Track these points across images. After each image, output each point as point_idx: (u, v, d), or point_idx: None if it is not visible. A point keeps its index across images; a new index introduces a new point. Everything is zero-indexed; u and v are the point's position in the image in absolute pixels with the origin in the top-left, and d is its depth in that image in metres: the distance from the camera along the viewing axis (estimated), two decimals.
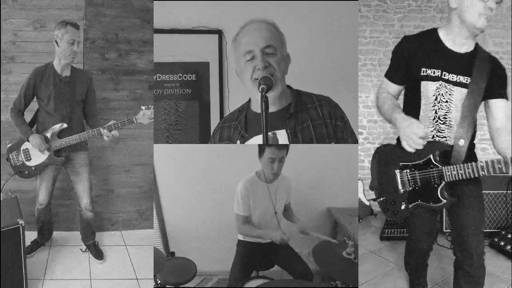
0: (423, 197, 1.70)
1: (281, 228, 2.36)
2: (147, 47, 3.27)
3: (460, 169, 1.58)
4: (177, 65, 2.99)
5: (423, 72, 1.64)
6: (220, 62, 3.04)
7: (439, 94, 1.63)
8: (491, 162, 1.50)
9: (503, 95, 1.53)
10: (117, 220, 3.43)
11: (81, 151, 2.77)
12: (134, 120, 2.53)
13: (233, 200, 2.35)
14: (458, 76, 1.59)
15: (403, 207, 1.74)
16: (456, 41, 1.61)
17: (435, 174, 1.65)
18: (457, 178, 1.59)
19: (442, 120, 1.67)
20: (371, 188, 1.91)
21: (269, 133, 1.75)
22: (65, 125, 2.63)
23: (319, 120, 1.77)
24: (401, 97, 1.87)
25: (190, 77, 3.03)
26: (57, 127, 2.62)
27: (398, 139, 1.68)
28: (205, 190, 2.96)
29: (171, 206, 3.08)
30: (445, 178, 1.62)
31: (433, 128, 1.69)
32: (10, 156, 2.67)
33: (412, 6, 4.18)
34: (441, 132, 1.68)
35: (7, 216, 2.29)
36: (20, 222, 2.21)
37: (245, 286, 2.18)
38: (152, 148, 3.14)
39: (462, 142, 1.60)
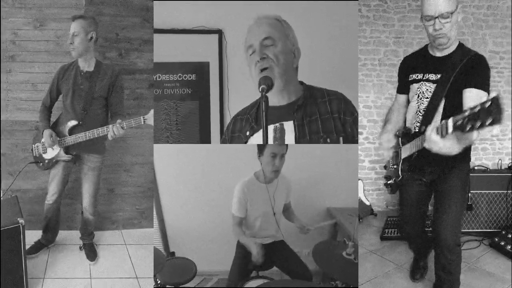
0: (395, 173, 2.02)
1: (281, 229, 2.37)
2: (147, 46, 3.26)
3: (409, 147, 1.85)
4: (177, 65, 2.99)
5: (410, 78, 1.96)
6: (220, 62, 3.03)
7: (420, 92, 1.89)
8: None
9: (472, 85, 1.70)
10: (117, 219, 3.44)
11: (95, 153, 2.69)
12: (142, 120, 2.32)
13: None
14: (437, 75, 1.85)
15: (390, 181, 2.09)
16: (435, 49, 1.89)
17: (394, 155, 2.00)
18: (408, 153, 1.86)
19: (421, 113, 1.89)
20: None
21: (277, 124, 1.78)
22: (75, 122, 2.58)
23: (327, 114, 1.80)
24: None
25: (190, 77, 3.03)
26: (69, 124, 2.60)
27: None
28: (205, 190, 2.96)
29: (171, 206, 3.08)
30: (400, 156, 1.93)
31: (415, 120, 1.92)
32: (34, 146, 2.73)
33: (412, 6, 4.17)
34: (419, 123, 1.90)
35: (7, 215, 2.30)
36: (20, 221, 2.21)
37: (245, 286, 2.19)
38: (152, 147, 3.13)
39: (423, 129, 1.79)
